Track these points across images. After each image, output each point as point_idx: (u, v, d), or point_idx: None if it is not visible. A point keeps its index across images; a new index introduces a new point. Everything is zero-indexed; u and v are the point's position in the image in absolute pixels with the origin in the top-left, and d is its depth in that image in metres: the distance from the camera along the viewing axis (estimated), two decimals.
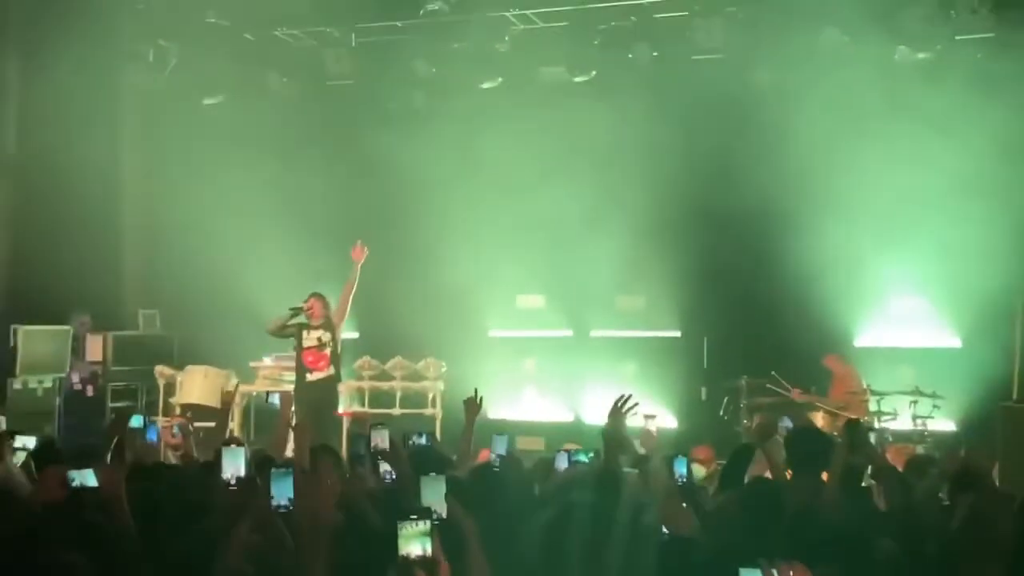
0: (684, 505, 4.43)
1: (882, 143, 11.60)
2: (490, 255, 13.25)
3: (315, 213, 14.15)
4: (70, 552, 3.54)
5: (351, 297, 11.15)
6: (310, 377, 11.05)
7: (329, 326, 11.12)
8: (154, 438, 7.57)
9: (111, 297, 14.65)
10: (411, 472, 5.32)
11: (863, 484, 6.05)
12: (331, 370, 11.11)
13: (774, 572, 2.85)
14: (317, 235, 14.03)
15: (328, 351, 11.09)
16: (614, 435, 5.45)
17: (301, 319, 11.13)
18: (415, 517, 3.14)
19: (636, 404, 5.47)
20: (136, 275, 14.68)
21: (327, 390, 10.98)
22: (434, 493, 3.81)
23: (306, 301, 11.12)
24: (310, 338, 11.15)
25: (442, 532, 3.90)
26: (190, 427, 8.08)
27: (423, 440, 6.42)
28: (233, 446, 4.43)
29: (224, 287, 13.73)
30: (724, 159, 12.38)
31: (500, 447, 6.25)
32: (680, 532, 4.07)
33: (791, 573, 2.86)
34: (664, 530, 4.22)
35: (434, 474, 3.90)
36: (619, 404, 5.45)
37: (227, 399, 7.86)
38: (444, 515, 3.76)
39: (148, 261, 14.70)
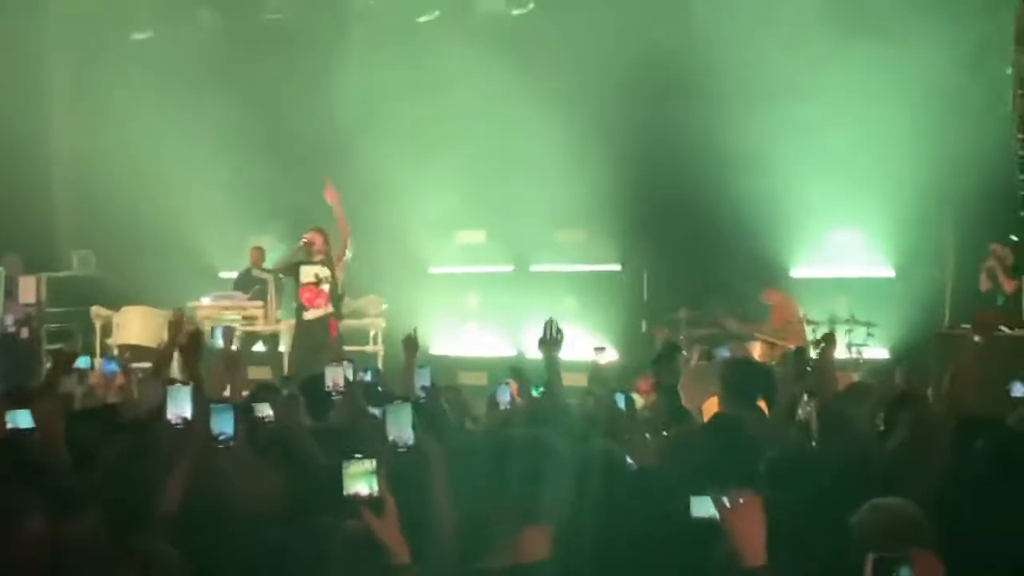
0: (647, 436, 4.48)
1: (823, 74, 11.65)
2: (429, 190, 13.18)
3: (253, 150, 13.93)
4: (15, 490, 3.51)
5: (348, 234, 10.90)
6: (306, 315, 10.86)
7: (328, 263, 10.92)
8: (114, 369, 7.51)
9: (43, 237, 14.38)
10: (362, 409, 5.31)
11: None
12: (329, 307, 10.95)
13: (724, 500, 2.88)
14: (255, 172, 13.86)
15: (326, 288, 10.92)
16: (554, 366, 5.49)
17: (300, 256, 10.94)
18: (360, 456, 3.08)
19: (560, 330, 5.50)
20: (69, 214, 14.41)
21: (325, 329, 10.78)
22: (401, 421, 3.72)
23: (304, 235, 10.90)
24: (307, 274, 10.91)
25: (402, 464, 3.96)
26: (129, 367, 8.02)
27: (368, 376, 6.41)
28: (178, 385, 4.36)
29: (160, 226, 13.57)
30: (665, 91, 12.38)
31: (423, 379, 6.23)
32: (644, 463, 4.10)
33: (740, 500, 2.89)
34: (629, 461, 4.27)
35: (399, 401, 3.84)
36: (548, 332, 5.47)
37: (177, 321, 7.38)
38: (411, 443, 3.69)
39: (81, 200, 14.42)
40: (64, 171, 14.58)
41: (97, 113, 14.22)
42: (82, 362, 7.25)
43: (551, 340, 5.51)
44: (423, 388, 6.10)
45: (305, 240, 10.86)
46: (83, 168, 14.37)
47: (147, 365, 10.62)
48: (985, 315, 6.00)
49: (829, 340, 6.28)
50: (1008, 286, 10.57)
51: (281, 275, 11.58)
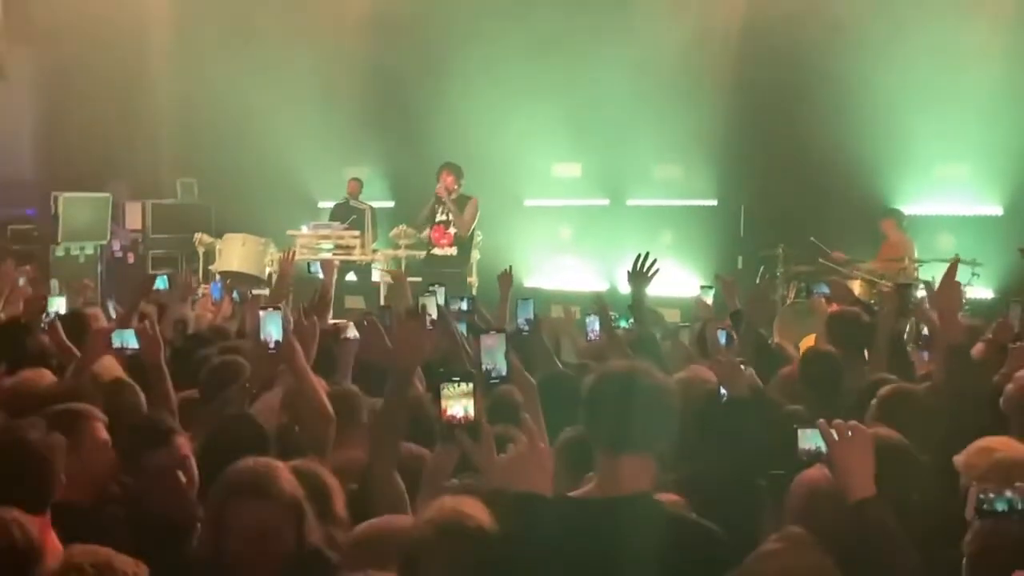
0: (742, 367, 4.42)
1: (925, 4, 11.27)
2: (525, 123, 13.13)
3: (351, 83, 14.06)
4: None
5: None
6: (433, 251, 11.61)
7: (455, 214, 11.51)
8: (217, 295, 7.79)
9: (149, 166, 14.75)
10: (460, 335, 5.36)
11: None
12: (454, 250, 11.53)
13: (833, 432, 2.85)
14: (353, 104, 13.98)
15: (452, 232, 11.45)
16: (640, 297, 5.47)
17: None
18: (457, 379, 3.08)
19: (655, 262, 5.46)
20: (173, 144, 14.71)
21: (445, 266, 11.32)
22: (495, 351, 3.73)
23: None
24: (441, 213, 11.64)
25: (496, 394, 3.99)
26: (235, 292, 8.22)
27: (464, 305, 6.46)
28: (271, 309, 4.44)
29: (260, 156, 13.78)
30: (762, 23, 12.11)
31: (525, 312, 6.27)
32: (738, 393, 4.08)
33: (849, 433, 2.85)
34: (723, 391, 4.24)
35: (494, 332, 3.85)
36: (638, 264, 5.44)
37: (285, 266, 7.60)
38: (504, 373, 3.71)
39: (185, 130, 14.70)
40: (169, 102, 14.85)
41: (201, 43, 14.42)
42: (160, 283, 7.51)
43: (641, 273, 5.50)
44: (526, 320, 6.15)
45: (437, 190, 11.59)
46: (187, 100, 14.62)
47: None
48: None
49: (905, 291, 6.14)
50: None
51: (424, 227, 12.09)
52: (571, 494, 3.04)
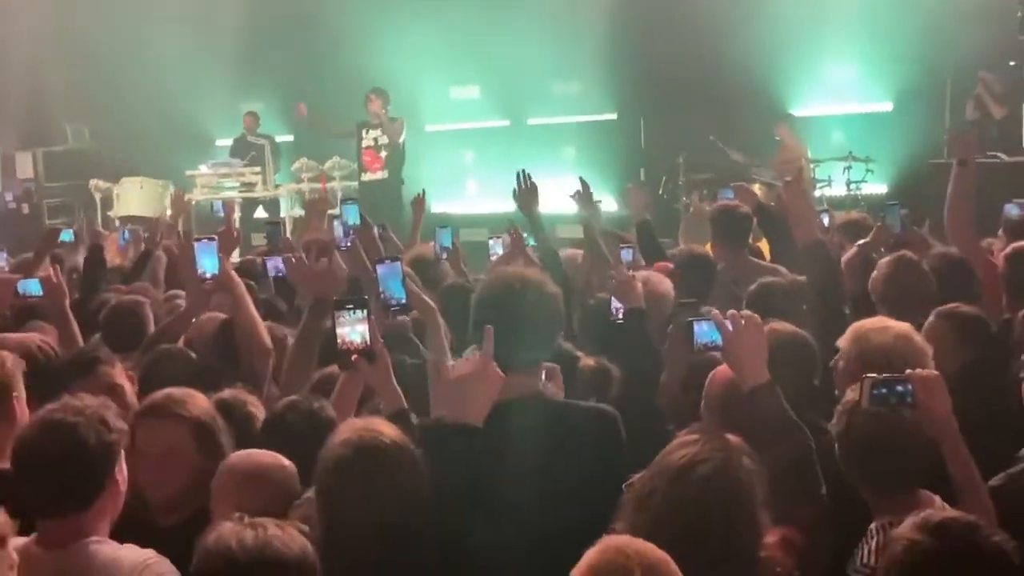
0: (634, 278, 4.54)
1: None
2: (421, 47, 12.99)
3: (240, 15, 13.72)
4: None
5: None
6: (363, 177, 11.51)
7: (389, 129, 11.31)
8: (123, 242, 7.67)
9: (36, 112, 14.24)
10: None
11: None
12: (385, 173, 11.34)
13: (726, 322, 2.93)
14: (244, 38, 13.66)
15: (384, 154, 11.21)
16: (533, 214, 5.53)
17: (364, 118, 11.48)
18: (351, 306, 3.09)
19: (529, 177, 5.54)
20: (59, 88, 14.22)
21: (381, 192, 11.18)
22: (390, 278, 3.72)
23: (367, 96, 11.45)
24: (368, 138, 11.48)
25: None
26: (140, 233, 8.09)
27: (376, 230, 6.44)
28: (205, 240, 4.40)
29: (151, 95, 13.42)
30: None
31: (445, 239, 6.31)
32: (633, 304, 4.18)
33: (742, 321, 2.94)
34: (616, 303, 4.34)
35: (389, 260, 3.85)
36: (520, 183, 5.50)
37: (178, 207, 7.59)
38: (404, 300, 3.71)
39: (69, 72, 14.22)
40: (50, 45, 14.33)
41: None
42: (65, 236, 7.36)
43: (526, 192, 5.54)
44: (443, 248, 6.18)
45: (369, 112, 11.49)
46: (69, 41, 14.13)
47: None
48: (961, 138, 5.94)
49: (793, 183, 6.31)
50: (997, 112, 10.55)
51: (339, 136, 12.06)
52: None
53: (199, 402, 3.21)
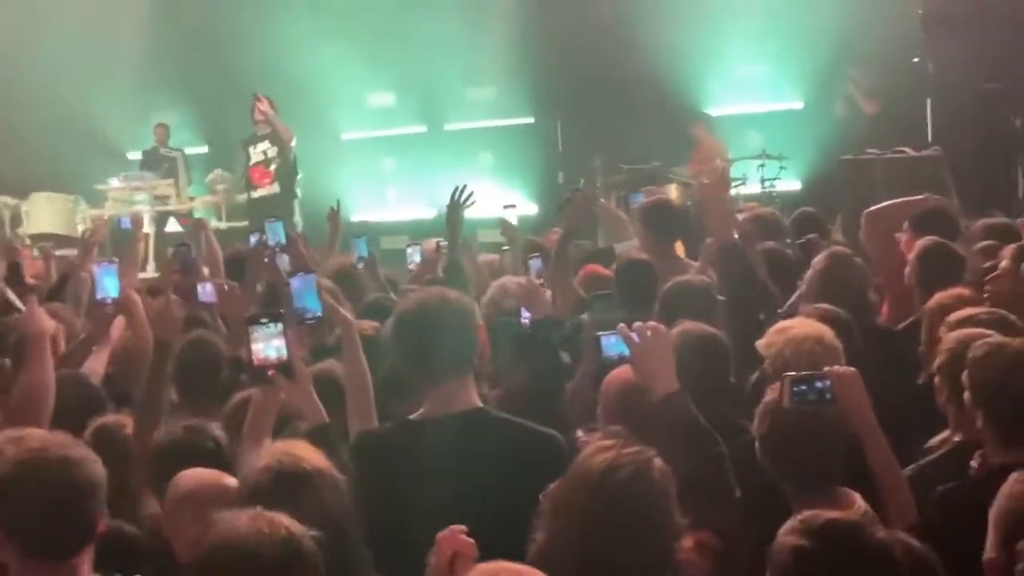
0: (543, 288, 4.58)
1: None
2: (336, 55, 12.90)
3: (147, 23, 13.49)
4: None
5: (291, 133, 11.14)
6: (253, 194, 10.97)
7: (276, 139, 10.86)
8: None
9: None
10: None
11: None
12: (276, 187, 10.95)
13: (633, 335, 2.94)
14: (153, 47, 13.43)
15: (274, 167, 10.88)
16: (454, 226, 5.58)
17: (254, 131, 11.04)
18: (265, 320, 3.07)
19: (472, 194, 5.59)
20: None
21: (272, 208, 10.64)
22: (305, 292, 3.73)
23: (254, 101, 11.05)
24: (256, 152, 11.01)
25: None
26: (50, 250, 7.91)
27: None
28: (106, 263, 4.35)
29: (57, 107, 13.08)
30: None
31: (361, 248, 6.30)
32: (539, 312, 4.20)
33: (648, 333, 2.95)
34: (524, 313, 4.36)
35: (302, 273, 3.84)
36: (456, 196, 5.56)
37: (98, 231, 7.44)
38: (319, 312, 3.71)
39: None
40: None
41: None
42: None
43: (456, 204, 5.59)
44: (360, 258, 6.17)
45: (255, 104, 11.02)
46: None
47: (66, 252, 10.47)
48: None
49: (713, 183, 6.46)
50: (868, 108, 10.87)
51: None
52: (409, 417, 3.11)
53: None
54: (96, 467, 2.65)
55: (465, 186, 5.62)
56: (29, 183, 12.40)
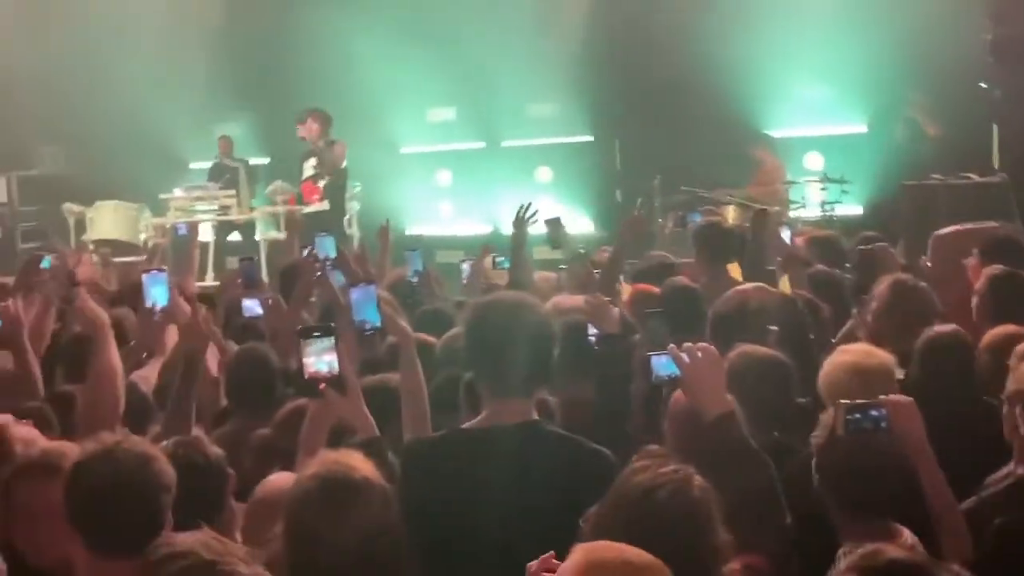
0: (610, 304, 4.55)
1: None
2: (397, 69, 12.98)
3: (216, 37, 13.72)
4: None
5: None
6: (305, 209, 11.01)
7: (326, 156, 10.90)
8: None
9: (10, 135, 14.12)
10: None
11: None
12: (325, 204, 11.00)
13: (683, 355, 2.92)
14: (220, 60, 13.64)
15: (322, 184, 10.96)
16: (519, 243, 5.61)
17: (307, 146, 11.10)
18: (318, 334, 3.07)
19: (536, 211, 5.61)
20: (32, 112, 14.12)
21: (322, 224, 10.84)
22: (364, 303, 3.71)
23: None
24: (307, 167, 11.09)
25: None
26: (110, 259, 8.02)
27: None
28: (155, 271, 4.38)
29: (125, 118, 13.34)
30: None
31: (415, 263, 6.34)
32: (607, 329, 4.18)
33: (699, 354, 2.92)
34: (591, 328, 4.34)
35: (363, 284, 3.84)
36: (521, 213, 5.58)
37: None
38: (378, 324, 3.69)
39: (44, 96, 14.14)
40: (26, 67, 14.25)
41: (55, 4, 13.88)
42: (44, 263, 7.26)
43: (520, 220, 5.63)
44: (415, 272, 6.20)
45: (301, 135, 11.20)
46: (45, 63, 14.06)
47: (127, 259, 10.64)
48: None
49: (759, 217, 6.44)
50: (932, 131, 10.73)
51: None
52: (463, 426, 3.09)
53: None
54: (167, 467, 2.68)
55: (530, 204, 5.67)
56: (96, 191, 12.64)
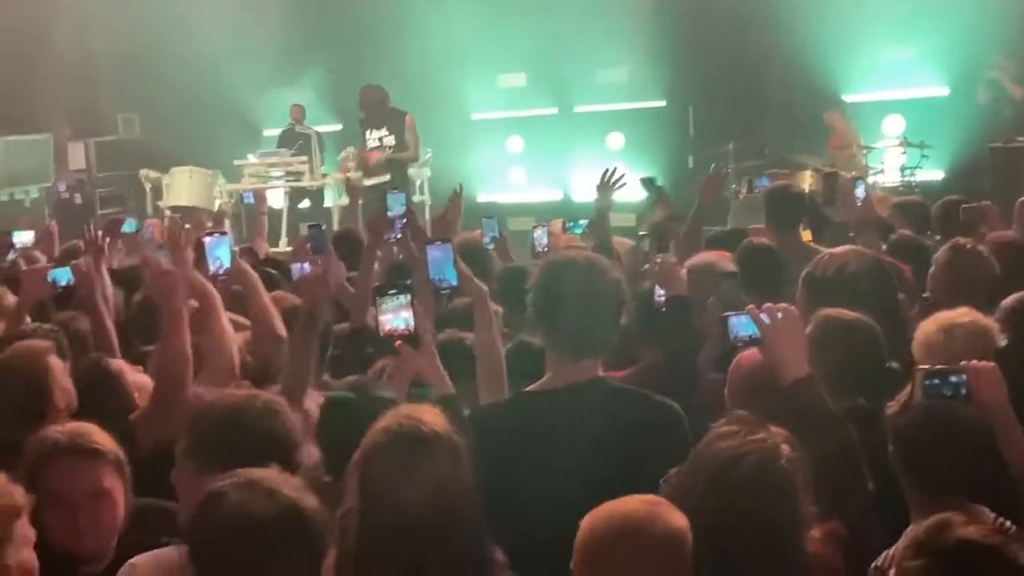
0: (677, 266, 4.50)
1: None
2: (467, 35, 12.94)
3: (288, 2, 13.78)
4: None
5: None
6: (367, 182, 10.97)
7: (397, 128, 10.87)
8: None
9: (87, 103, 14.37)
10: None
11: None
12: (387, 176, 10.98)
13: (763, 316, 2.85)
14: (292, 29, 13.69)
15: (388, 154, 10.96)
16: (604, 209, 5.55)
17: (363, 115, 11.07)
18: (393, 291, 3.08)
19: (623, 176, 5.53)
20: (110, 79, 14.34)
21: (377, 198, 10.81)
22: (442, 261, 3.72)
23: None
24: (372, 138, 11.03)
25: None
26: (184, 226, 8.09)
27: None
28: (217, 235, 4.38)
29: (201, 85, 13.48)
30: None
31: (491, 230, 6.31)
32: (676, 291, 4.14)
33: (779, 315, 2.85)
34: (659, 291, 4.30)
35: (440, 242, 3.83)
36: (606, 178, 5.51)
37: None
38: (454, 283, 3.72)
39: (120, 63, 14.33)
40: (101, 36, 14.45)
41: None
42: (128, 227, 7.37)
43: (606, 185, 5.56)
44: (491, 238, 6.19)
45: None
46: (120, 31, 14.24)
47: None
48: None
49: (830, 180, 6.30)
50: (1018, 93, 10.46)
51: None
52: (527, 389, 3.08)
53: (105, 436, 2.91)
54: (294, 423, 2.72)
55: (615, 168, 5.60)
56: (172, 158, 12.80)
